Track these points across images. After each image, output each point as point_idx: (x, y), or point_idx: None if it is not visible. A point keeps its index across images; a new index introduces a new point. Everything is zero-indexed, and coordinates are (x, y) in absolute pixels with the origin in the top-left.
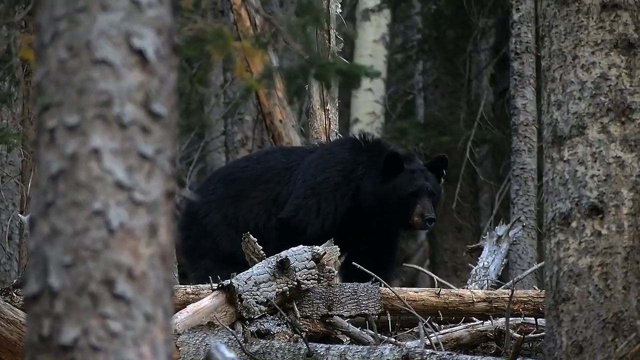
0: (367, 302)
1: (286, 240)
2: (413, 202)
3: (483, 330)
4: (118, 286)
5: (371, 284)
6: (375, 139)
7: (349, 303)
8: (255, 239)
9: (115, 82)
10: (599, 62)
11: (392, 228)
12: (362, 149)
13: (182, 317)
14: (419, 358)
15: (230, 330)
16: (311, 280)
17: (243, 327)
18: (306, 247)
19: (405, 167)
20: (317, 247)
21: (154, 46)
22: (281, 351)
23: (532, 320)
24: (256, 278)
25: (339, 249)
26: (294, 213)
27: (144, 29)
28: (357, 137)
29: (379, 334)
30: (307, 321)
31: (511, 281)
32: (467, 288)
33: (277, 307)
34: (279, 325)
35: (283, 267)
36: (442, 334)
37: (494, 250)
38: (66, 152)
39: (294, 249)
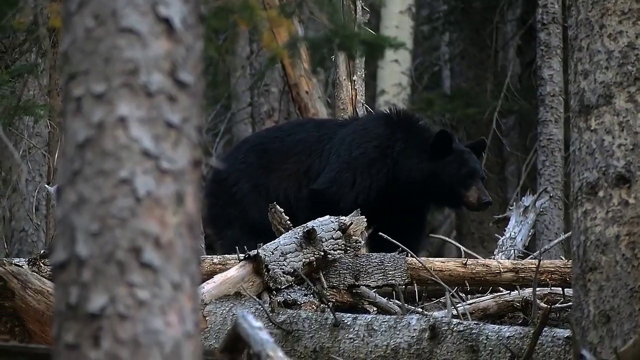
0: (393, 272)
1: (318, 212)
2: (468, 183)
3: (510, 301)
4: (145, 254)
5: (398, 254)
6: (406, 112)
7: (376, 273)
8: (282, 210)
9: (141, 50)
10: (626, 32)
11: (440, 205)
12: (397, 124)
13: (209, 287)
14: (445, 328)
15: (257, 300)
16: (338, 251)
17: (270, 297)
18: (333, 218)
19: (453, 147)
20: (343, 217)
21: (180, 14)
22: (308, 321)
23: (559, 290)
24: (283, 248)
25: (366, 219)
26: (328, 185)
27: None
28: (390, 112)
29: (405, 304)
30: (333, 291)
31: (538, 251)
32: (494, 258)
33: (304, 277)
34: (305, 295)
35: (310, 237)
36: (469, 304)
37: (521, 221)
38: (93, 120)
39: (320, 219)
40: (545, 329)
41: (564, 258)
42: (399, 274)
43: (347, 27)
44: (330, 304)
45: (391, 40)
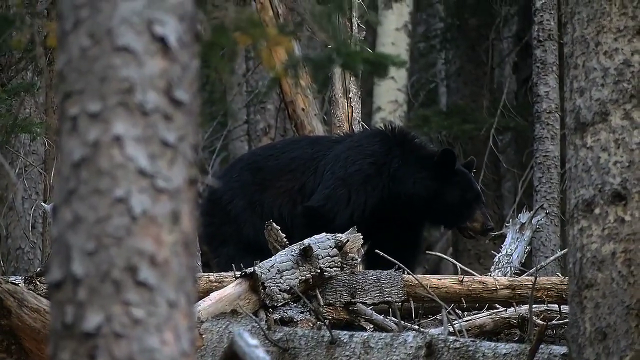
0: (390, 289)
1: (313, 229)
2: (473, 207)
3: (506, 318)
4: (141, 273)
5: (394, 271)
6: (401, 129)
7: (372, 290)
8: (279, 227)
9: (137, 69)
10: (622, 49)
11: (438, 224)
12: (392, 141)
13: (206, 304)
14: (442, 345)
15: (254, 317)
16: (334, 268)
17: (266, 315)
18: (329, 235)
19: (456, 167)
20: (340, 234)
21: (175, 33)
22: (304, 338)
23: (555, 307)
24: (279, 266)
25: (362, 237)
26: (323, 202)
27: (166, 16)
28: (385, 128)
29: (402, 322)
30: (330, 309)
31: (534, 268)
32: (490, 275)
33: (301, 294)
34: (302, 312)
35: (306, 254)
36: (466, 321)
37: (517, 238)
38: (88, 139)
39: (317, 236)
40: (542, 346)
41: (560, 275)
42: (396, 291)
43: (349, 45)
44: (327, 322)
45: (393, 58)
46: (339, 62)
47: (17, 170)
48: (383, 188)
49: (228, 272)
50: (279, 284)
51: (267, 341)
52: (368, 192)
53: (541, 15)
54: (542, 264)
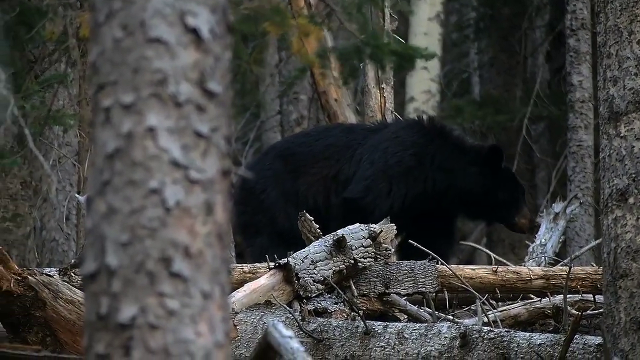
0: (424, 280)
1: (352, 220)
2: (520, 205)
3: (541, 308)
4: (175, 264)
5: (428, 261)
6: (437, 121)
7: (406, 281)
8: (312, 218)
9: (170, 60)
10: None
11: (478, 218)
12: (431, 132)
13: (240, 295)
14: (476, 336)
15: (288, 308)
16: (368, 259)
17: (300, 306)
18: (363, 226)
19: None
20: (373, 225)
21: (208, 24)
22: (339, 329)
23: (590, 297)
24: (313, 256)
25: (396, 227)
26: (363, 194)
27: (198, 7)
28: (421, 120)
29: (436, 312)
30: (364, 299)
31: (569, 258)
32: (524, 265)
33: (334, 285)
34: (336, 303)
35: (339, 245)
36: (500, 311)
37: (551, 228)
38: (122, 131)
39: (350, 227)
40: (577, 336)
41: (594, 265)
42: (430, 281)
43: (377, 37)
44: (361, 312)
45: (422, 51)
46: (366, 53)
47: (51, 162)
48: (426, 180)
49: (261, 262)
50: (313, 275)
51: (301, 332)
52: (409, 184)
53: (574, 4)
54: (577, 253)
